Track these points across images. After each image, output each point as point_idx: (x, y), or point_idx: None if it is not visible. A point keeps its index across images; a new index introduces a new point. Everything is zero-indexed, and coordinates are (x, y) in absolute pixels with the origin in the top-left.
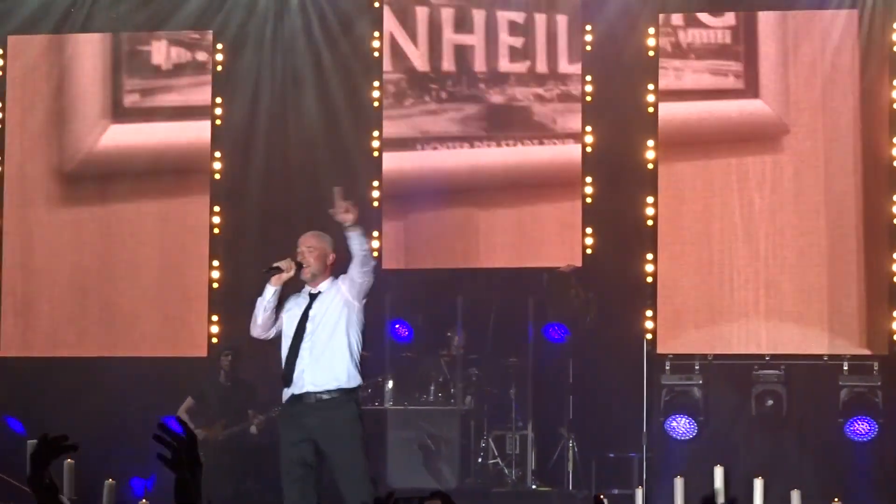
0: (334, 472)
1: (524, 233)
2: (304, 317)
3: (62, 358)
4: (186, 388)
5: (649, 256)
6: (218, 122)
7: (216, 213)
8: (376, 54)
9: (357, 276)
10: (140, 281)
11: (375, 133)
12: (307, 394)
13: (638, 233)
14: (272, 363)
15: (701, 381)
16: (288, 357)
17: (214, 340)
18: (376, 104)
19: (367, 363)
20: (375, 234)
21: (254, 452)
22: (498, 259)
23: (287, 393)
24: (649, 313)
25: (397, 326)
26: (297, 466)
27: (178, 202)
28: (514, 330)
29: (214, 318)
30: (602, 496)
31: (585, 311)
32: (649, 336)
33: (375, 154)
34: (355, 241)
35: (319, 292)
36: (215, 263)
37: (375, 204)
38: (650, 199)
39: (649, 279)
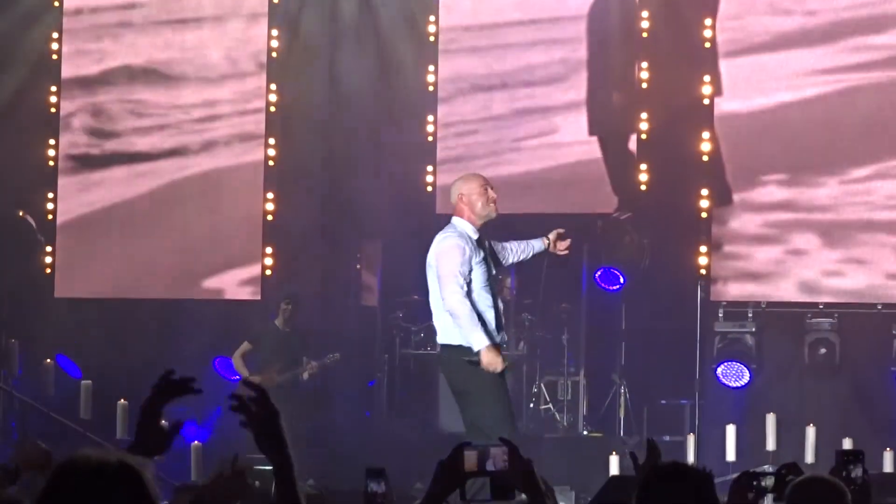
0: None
1: (579, 178)
2: (488, 265)
3: (119, 300)
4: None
5: (704, 192)
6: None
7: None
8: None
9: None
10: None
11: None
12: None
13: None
14: (322, 314)
15: (754, 329)
16: (496, 304)
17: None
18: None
19: (421, 307)
20: (430, 176)
21: (306, 398)
22: (553, 204)
23: (501, 338)
24: (703, 249)
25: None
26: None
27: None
28: (567, 275)
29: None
30: (654, 441)
31: (640, 257)
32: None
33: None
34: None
35: (481, 238)
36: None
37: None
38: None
39: (703, 214)
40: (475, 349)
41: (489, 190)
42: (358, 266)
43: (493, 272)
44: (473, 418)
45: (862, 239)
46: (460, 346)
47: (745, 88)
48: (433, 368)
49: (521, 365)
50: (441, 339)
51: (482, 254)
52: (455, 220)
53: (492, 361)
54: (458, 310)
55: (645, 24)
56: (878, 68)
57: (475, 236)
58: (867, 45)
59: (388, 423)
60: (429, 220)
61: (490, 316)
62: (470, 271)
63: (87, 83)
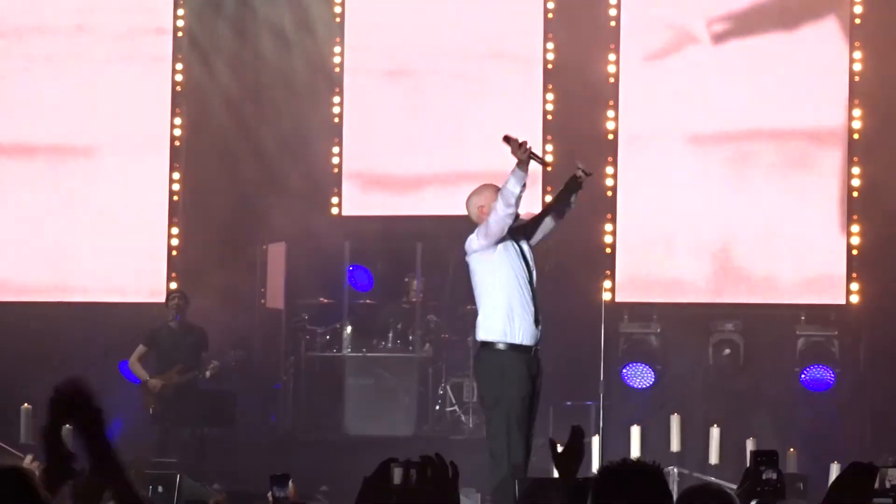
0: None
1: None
2: (523, 256)
3: (23, 303)
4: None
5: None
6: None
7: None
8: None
9: None
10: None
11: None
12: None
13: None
14: (226, 317)
15: (658, 330)
16: (535, 301)
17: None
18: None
19: (327, 310)
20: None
21: (211, 401)
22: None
23: (535, 335)
24: (608, 251)
25: (356, 273)
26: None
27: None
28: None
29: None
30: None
31: (544, 260)
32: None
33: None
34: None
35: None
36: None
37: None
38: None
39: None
40: (518, 174)
41: None
42: (263, 269)
43: (526, 272)
44: (487, 422)
45: (764, 241)
46: (493, 344)
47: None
48: (339, 371)
49: (427, 367)
50: (479, 335)
51: (514, 250)
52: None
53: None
54: (499, 204)
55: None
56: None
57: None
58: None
59: (293, 426)
60: (333, 222)
61: (527, 314)
62: (501, 263)
63: None
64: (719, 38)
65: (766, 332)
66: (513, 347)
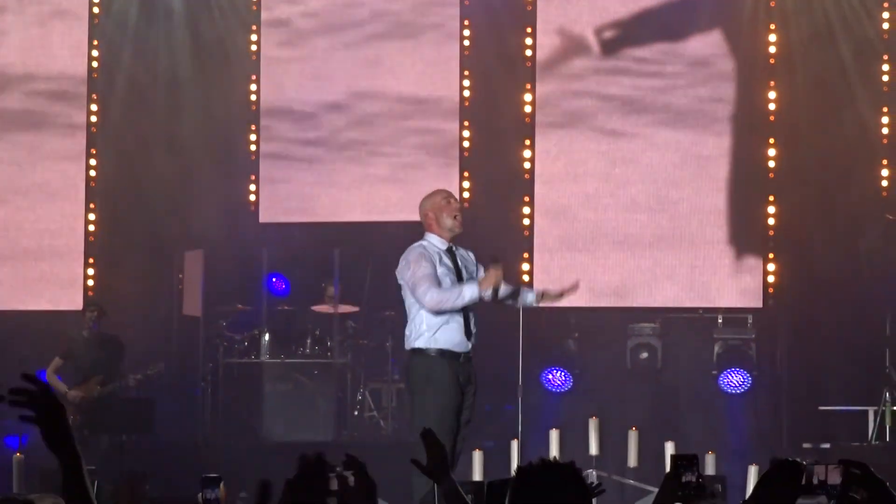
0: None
1: (407, 182)
2: (455, 265)
3: None
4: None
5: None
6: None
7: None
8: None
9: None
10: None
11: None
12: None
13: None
14: (144, 324)
15: (577, 334)
16: (466, 312)
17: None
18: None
19: (245, 316)
20: (253, 185)
21: (129, 408)
22: (376, 213)
23: (465, 345)
24: (525, 255)
25: (274, 280)
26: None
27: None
28: (390, 283)
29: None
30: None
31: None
32: (526, 278)
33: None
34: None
35: (453, 247)
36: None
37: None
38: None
39: (526, 221)
40: (474, 296)
41: (452, 202)
42: (180, 275)
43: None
44: (415, 429)
45: (683, 247)
46: (422, 350)
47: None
48: (258, 377)
49: (346, 373)
50: (407, 343)
51: (451, 265)
52: (427, 235)
53: (493, 276)
54: (437, 299)
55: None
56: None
57: (444, 247)
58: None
59: (212, 432)
60: (252, 229)
61: (456, 324)
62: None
63: None
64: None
65: (683, 336)
66: (441, 353)
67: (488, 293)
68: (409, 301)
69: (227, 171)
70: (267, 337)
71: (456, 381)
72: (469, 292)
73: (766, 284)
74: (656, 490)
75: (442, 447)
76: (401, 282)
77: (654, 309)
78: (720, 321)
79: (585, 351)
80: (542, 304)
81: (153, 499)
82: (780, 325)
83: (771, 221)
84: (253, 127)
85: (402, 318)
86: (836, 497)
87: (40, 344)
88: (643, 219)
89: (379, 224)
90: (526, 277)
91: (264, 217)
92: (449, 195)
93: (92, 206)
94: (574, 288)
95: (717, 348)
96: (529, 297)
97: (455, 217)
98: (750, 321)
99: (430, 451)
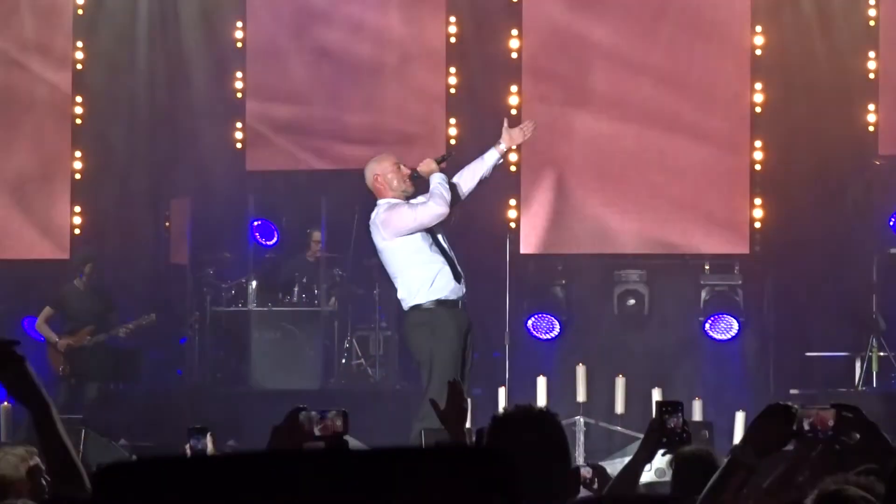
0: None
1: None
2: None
3: None
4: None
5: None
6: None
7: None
8: None
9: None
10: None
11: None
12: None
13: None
14: (131, 272)
15: (564, 281)
16: (448, 258)
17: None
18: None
19: (231, 264)
20: (239, 133)
21: (119, 357)
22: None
23: (459, 290)
24: (513, 202)
25: (258, 224)
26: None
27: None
28: None
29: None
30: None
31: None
32: (512, 225)
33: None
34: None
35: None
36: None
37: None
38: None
39: (513, 168)
40: (442, 178)
41: (402, 167)
42: (167, 223)
43: (437, 232)
44: (424, 381)
45: (668, 192)
46: (420, 305)
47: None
48: (245, 325)
49: (333, 321)
50: (404, 305)
51: None
52: (379, 201)
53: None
54: (435, 203)
55: None
56: None
57: None
58: None
59: (199, 380)
60: (239, 176)
61: (445, 271)
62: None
63: None
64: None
65: (670, 282)
66: (440, 303)
67: (433, 166)
68: (393, 265)
69: (213, 117)
70: (254, 285)
71: (457, 329)
72: (436, 179)
73: (752, 230)
74: (643, 437)
75: (463, 400)
76: (381, 244)
77: (641, 255)
78: (707, 267)
79: (572, 298)
80: (507, 147)
81: (143, 448)
82: (766, 272)
83: (758, 168)
84: (239, 74)
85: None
86: (828, 441)
87: (24, 293)
88: (630, 164)
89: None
90: (513, 225)
91: (251, 164)
92: (399, 161)
93: (78, 154)
94: (532, 125)
95: (703, 295)
96: (492, 158)
97: (405, 181)
98: (737, 267)
99: (451, 400)
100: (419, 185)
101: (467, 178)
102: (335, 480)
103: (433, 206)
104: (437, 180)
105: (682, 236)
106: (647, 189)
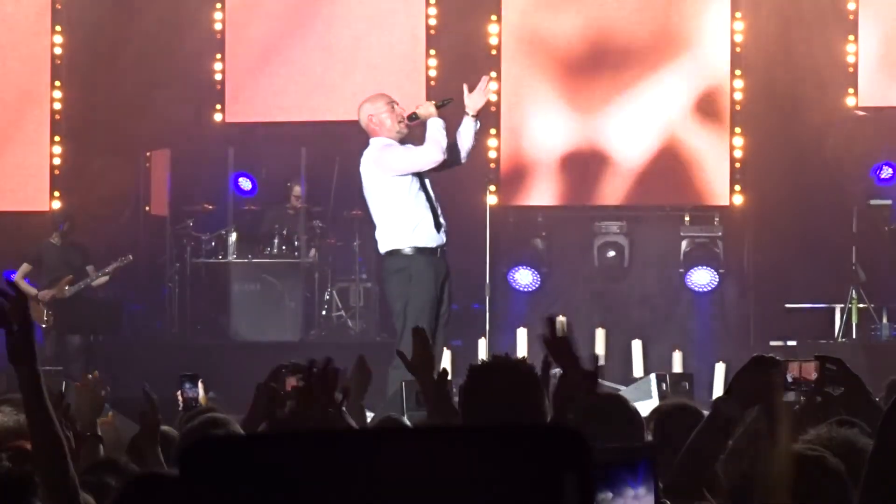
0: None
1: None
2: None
3: None
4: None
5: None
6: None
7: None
8: None
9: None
10: None
11: None
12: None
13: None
14: (110, 224)
15: (544, 233)
16: (433, 205)
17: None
18: None
19: (211, 216)
20: (218, 87)
21: (100, 308)
22: (343, 111)
23: (439, 238)
24: (493, 154)
25: (241, 179)
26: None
27: None
28: (358, 182)
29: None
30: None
31: None
32: (492, 188)
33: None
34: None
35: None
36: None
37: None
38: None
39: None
40: (438, 121)
41: (396, 107)
42: (146, 175)
43: (425, 178)
44: (399, 328)
45: (649, 143)
46: (398, 251)
47: None
48: (224, 277)
49: (313, 272)
50: (380, 248)
51: None
52: (373, 140)
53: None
54: (430, 146)
55: None
56: None
57: None
58: None
59: (179, 332)
60: (217, 127)
61: (428, 218)
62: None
63: None
64: None
65: (650, 234)
66: (418, 251)
67: (431, 110)
68: (377, 206)
69: (192, 68)
70: (234, 236)
71: (435, 276)
72: (436, 125)
73: (732, 181)
74: (623, 388)
75: (429, 346)
76: (368, 183)
77: (620, 207)
78: (687, 219)
79: (553, 250)
80: (474, 112)
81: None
82: (746, 223)
83: (738, 109)
84: (219, 16)
85: (369, 218)
86: (811, 393)
87: (8, 244)
88: (609, 115)
89: (346, 123)
90: (492, 187)
91: (230, 116)
92: (392, 101)
93: (58, 96)
94: (486, 81)
95: (684, 246)
96: (468, 126)
97: (400, 122)
98: (717, 219)
99: (416, 348)
100: (414, 131)
101: (458, 148)
102: (409, 460)
103: (429, 150)
104: (437, 125)
105: (662, 187)
106: (626, 137)
